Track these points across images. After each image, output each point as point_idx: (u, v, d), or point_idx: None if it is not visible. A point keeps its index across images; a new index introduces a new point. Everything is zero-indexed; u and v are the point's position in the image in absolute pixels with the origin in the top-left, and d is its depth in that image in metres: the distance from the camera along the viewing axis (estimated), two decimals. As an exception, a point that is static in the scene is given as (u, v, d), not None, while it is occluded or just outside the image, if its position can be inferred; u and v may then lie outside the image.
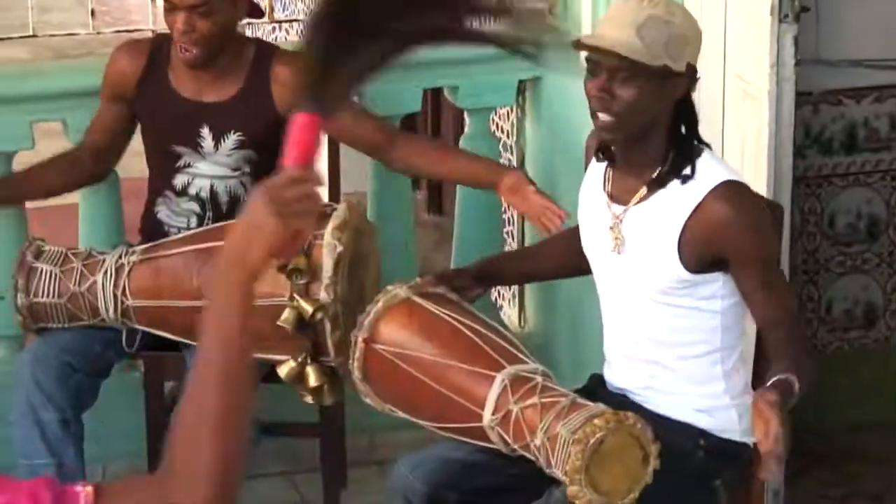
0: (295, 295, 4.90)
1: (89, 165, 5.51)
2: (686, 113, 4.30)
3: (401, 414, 4.60)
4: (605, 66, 4.21)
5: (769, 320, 4.28)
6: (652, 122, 4.25)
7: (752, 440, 4.41)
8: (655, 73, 4.20)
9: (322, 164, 5.85)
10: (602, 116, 4.24)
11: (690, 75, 4.26)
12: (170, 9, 5.18)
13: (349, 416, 5.49)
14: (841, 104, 6.03)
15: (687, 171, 4.27)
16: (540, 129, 5.99)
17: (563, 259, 4.85)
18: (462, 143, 6.09)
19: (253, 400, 2.76)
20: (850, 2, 5.88)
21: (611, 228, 4.39)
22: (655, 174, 4.29)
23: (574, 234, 4.65)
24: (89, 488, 2.79)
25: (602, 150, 4.39)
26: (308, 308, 4.89)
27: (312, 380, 4.99)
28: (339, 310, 4.90)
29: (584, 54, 4.27)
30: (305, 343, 4.96)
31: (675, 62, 4.20)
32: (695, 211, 4.22)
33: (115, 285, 5.12)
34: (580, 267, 4.64)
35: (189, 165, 5.34)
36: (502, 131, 6.53)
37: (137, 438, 5.48)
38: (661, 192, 4.29)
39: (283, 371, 4.99)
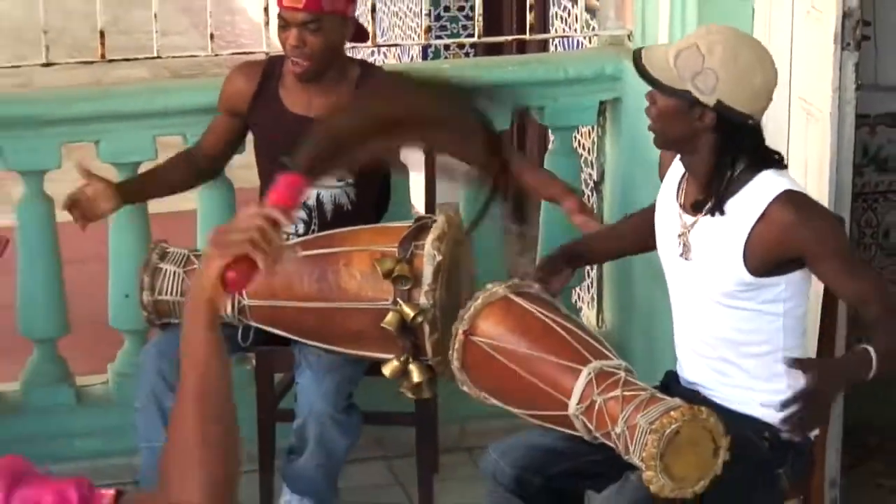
0: (398, 299, 4.93)
1: (202, 166, 5.58)
2: (750, 139, 4.34)
3: (494, 401, 4.64)
4: (648, 81, 4.38)
5: (858, 302, 4.32)
6: (685, 137, 4.33)
7: (813, 433, 4.56)
8: (678, 96, 4.30)
9: (420, 176, 5.95)
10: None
11: (721, 110, 4.28)
12: (283, 25, 5.25)
13: (441, 406, 5.53)
14: (896, 126, 6.09)
15: (748, 187, 4.33)
16: (618, 146, 5.99)
17: (642, 236, 4.88)
18: (546, 159, 6.12)
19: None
20: (905, 33, 5.92)
21: (679, 236, 4.47)
22: (722, 189, 4.35)
23: (648, 216, 4.73)
24: (111, 492, 2.75)
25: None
26: (410, 312, 4.92)
27: (416, 377, 5.00)
28: (437, 314, 4.93)
29: None
30: (406, 343, 4.97)
31: (701, 93, 4.27)
32: (760, 218, 4.27)
33: None
34: (647, 247, 4.76)
35: None
36: (583, 148, 6.53)
37: (249, 425, 5.47)
38: (728, 203, 4.33)
39: (387, 369, 5.02)
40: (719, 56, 4.28)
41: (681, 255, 4.46)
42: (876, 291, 4.27)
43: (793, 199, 4.29)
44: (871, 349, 4.17)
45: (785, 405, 4.14)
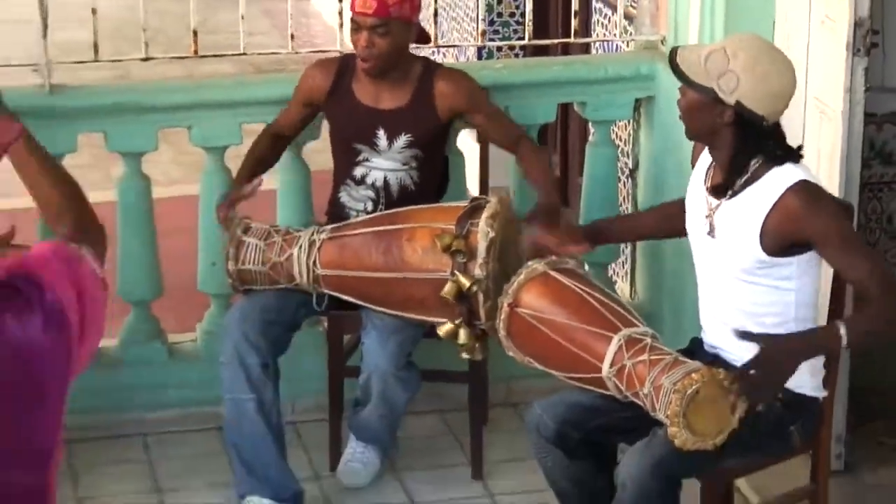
0: (455, 271, 4.95)
1: (270, 144, 5.58)
2: (766, 137, 4.34)
3: (536, 365, 4.67)
4: (678, 76, 4.40)
5: (857, 282, 4.32)
6: (708, 129, 4.36)
7: (822, 395, 4.57)
8: (704, 92, 4.32)
9: (475, 161, 5.96)
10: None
11: (738, 109, 4.30)
12: (355, 28, 5.25)
13: (491, 367, 5.51)
14: (901, 124, 6.08)
15: (767, 176, 4.34)
16: (651, 138, 5.96)
17: (660, 225, 4.94)
18: (587, 149, 6.09)
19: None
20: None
21: (706, 216, 4.47)
22: (743, 179, 4.38)
23: (678, 205, 4.72)
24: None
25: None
26: (466, 282, 4.94)
27: (464, 338, 5.01)
28: (489, 284, 4.93)
29: None
30: (462, 310, 4.99)
31: (722, 93, 4.29)
32: (775, 205, 4.28)
33: (308, 257, 5.17)
34: (675, 231, 4.76)
35: (367, 160, 5.40)
36: (620, 139, 6.51)
37: (320, 380, 5.57)
38: (747, 190, 4.35)
39: (441, 331, 5.03)
40: (742, 61, 4.29)
41: (707, 233, 4.46)
42: (874, 273, 4.26)
43: (805, 189, 4.30)
44: (841, 324, 4.21)
45: (741, 371, 4.21)
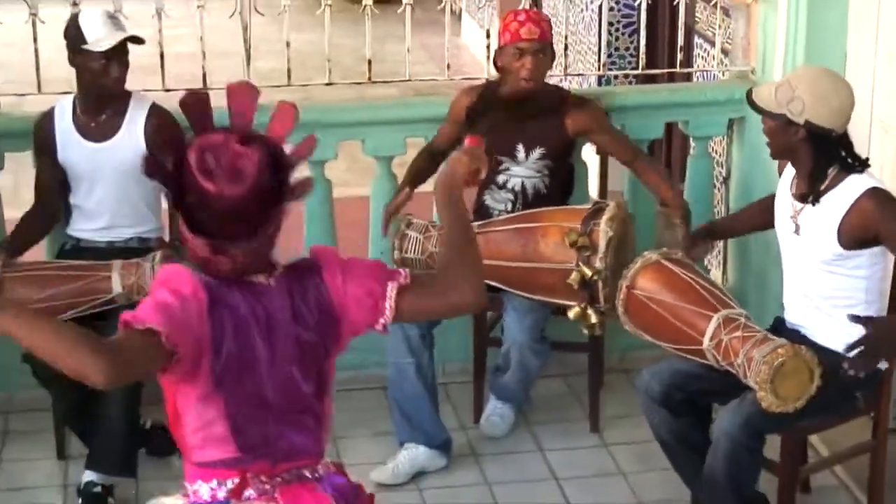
0: (580, 263, 4.94)
1: (427, 159, 5.56)
2: (837, 147, 4.38)
3: (647, 337, 4.69)
4: (754, 109, 4.47)
5: None
6: (788, 148, 4.41)
7: (884, 366, 4.56)
8: (777, 118, 4.38)
9: (595, 171, 5.98)
10: None
11: (808, 127, 4.35)
12: (519, 54, 5.24)
13: (607, 340, 5.54)
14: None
15: (843, 183, 4.37)
16: (742, 152, 5.94)
17: (760, 219, 4.89)
18: (689, 161, 6.09)
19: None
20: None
21: (791, 217, 4.50)
22: (822, 186, 4.41)
23: (769, 203, 4.73)
24: (407, 278, 3.05)
25: None
26: (588, 272, 4.93)
27: (593, 318, 4.99)
28: (608, 274, 4.92)
29: None
30: (585, 295, 4.97)
31: (793, 115, 4.36)
32: (851, 207, 4.33)
33: None
34: (770, 225, 4.73)
35: (507, 169, 5.40)
36: (716, 153, 6.47)
37: (467, 349, 5.63)
38: (827, 195, 4.38)
39: (571, 313, 5.01)
40: (804, 87, 4.36)
41: (794, 232, 4.49)
42: None
43: (876, 195, 4.34)
44: None
45: (849, 348, 4.23)
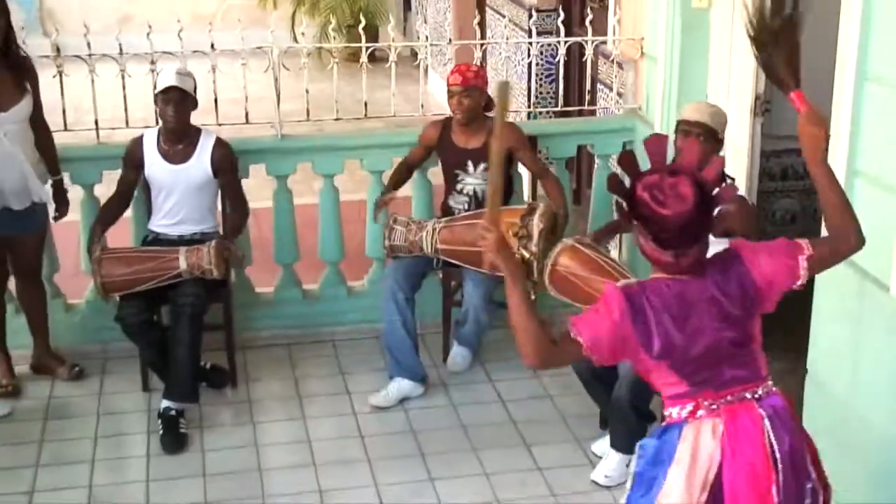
0: (520, 247, 4.89)
1: (405, 171, 5.47)
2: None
3: (568, 301, 4.68)
4: (695, 132, 4.28)
5: None
6: (707, 154, 4.11)
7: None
8: (715, 136, 4.30)
9: (527, 181, 5.95)
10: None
11: (722, 142, 4.35)
12: (451, 95, 5.20)
13: (539, 302, 5.17)
14: None
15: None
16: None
17: None
18: (594, 172, 5.95)
19: None
20: None
21: None
22: None
23: None
24: (810, 249, 2.96)
25: None
26: (526, 254, 4.89)
27: (528, 287, 4.63)
28: (540, 255, 4.89)
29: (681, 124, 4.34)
30: (524, 269, 4.86)
31: (720, 134, 4.31)
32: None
33: (431, 237, 5.17)
34: None
35: (463, 179, 5.35)
36: (614, 167, 6.59)
37: (437, 308, 5.56)
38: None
39: None
40: (721, 113, 4.36)
41: None
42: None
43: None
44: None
45: None
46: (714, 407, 2.95)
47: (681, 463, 2.94)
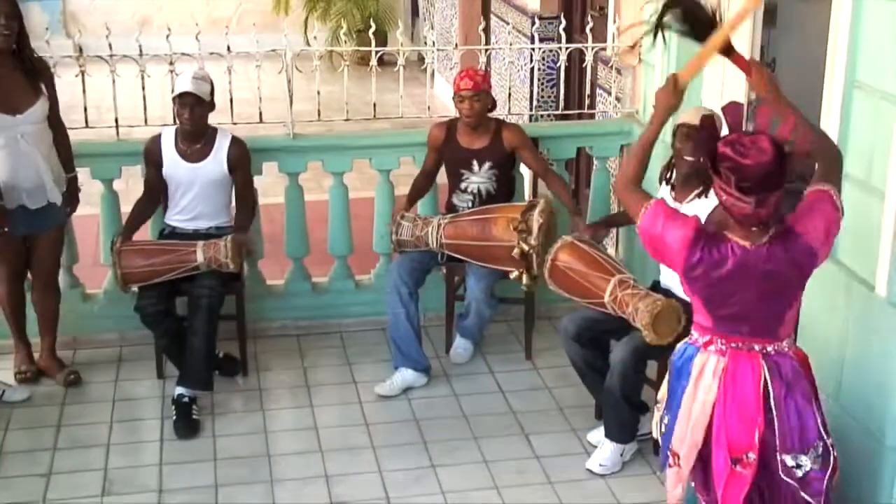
0: (520, 242, 4.91)
1: (430, 176, 5.50)
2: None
3: (566, 295, 4.67)
4: (696, 134, 4.20)
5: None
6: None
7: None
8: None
9: (528, 180, 5.94)
10: None
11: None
12: (460, 100, 5.19)
13: (538, 296, 5.43)
14: None
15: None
16: None
17: None
18: (593, 173, 5.93)
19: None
20: None
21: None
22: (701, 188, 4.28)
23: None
24: (834, 194, 3.19)
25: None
26: (526, 248, 4.91)
27: (525, 280, 4.96)
28: (539, 250, 4.90)
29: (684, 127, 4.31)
30: (523, 264, 4.95)
31: (718, 136, 4.18)
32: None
33: (437, 233, 5.15)
34: None
35: (467, 178, 5.33)
36: (611, 168, 6.35)
37: (441, 302, 5.55)
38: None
39: (512, 276, 4.98)
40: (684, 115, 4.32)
41: None
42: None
43: None
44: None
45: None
46: (723, 347, 3.21)
47: (688, 385, 3.24)
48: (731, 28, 3.30)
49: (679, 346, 3.38)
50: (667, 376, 3.42)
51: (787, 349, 3.24)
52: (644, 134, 3.30)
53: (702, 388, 3.24)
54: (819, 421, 3.19)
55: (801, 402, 3.17)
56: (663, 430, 3.38)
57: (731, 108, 3.10)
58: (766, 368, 3.18)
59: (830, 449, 3.20)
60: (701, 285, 3.18)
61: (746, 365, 3.20)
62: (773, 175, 3.00)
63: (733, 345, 3.22)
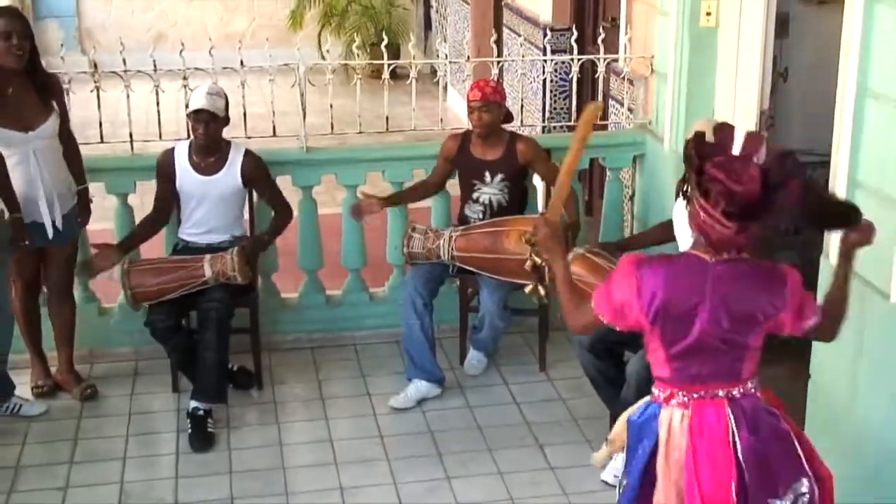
0: (532, 254, 4.59)
1: (432, 188, 5.52)
2: None
3: None
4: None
5: None
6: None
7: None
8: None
9: (542, 192, 5.93)
10: None
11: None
12: (470, 111, 5.22)
13: (551, 307, 5.39)
14: None
15: None
16: (643, 178, 5.85)
17: (659, 237, 4.81)
18: (606, 185, 5.92)
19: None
20: None
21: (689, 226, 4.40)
22: None
23: (667, 225, 4.62)
24: (818, 315, 3.04)
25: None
26: (538, 261, 4.53)
27: (542, 292, 4.77)
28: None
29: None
30: (536, 276, 4.60)
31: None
32: None
33: (449, 245, 5.15)
34: (670, 239, 4.57)
35: (480, 188, 5.34)
36: (624, 178, 6.44)
37: (454, 314, 5.57)
38: None
39: (526, 289, 4.62)
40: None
41: (692, 235, 4.37)
42: None
43: None
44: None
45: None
46: (685, 399, 3.05)
47: (659, 445, 3.07)
48: (573, 160, 3.42)
49: (639, 404, 3.22)
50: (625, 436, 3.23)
51: (752, 390, 3.06)
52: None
53: (673, 447, 3.05)
54: (800, 456, 3.04)
55: (773, 446, 3.02)
56: (621, 491, 3.20)
57: (724, 131, 3.02)
58: (731, 419, 3.01)
59: (815, 487, 3.04)
60: (658, 306, 2.99)
61: (712, 415, 3.02)
62: (759, 205, 2.89)
63: (695, 395, 3.04)
